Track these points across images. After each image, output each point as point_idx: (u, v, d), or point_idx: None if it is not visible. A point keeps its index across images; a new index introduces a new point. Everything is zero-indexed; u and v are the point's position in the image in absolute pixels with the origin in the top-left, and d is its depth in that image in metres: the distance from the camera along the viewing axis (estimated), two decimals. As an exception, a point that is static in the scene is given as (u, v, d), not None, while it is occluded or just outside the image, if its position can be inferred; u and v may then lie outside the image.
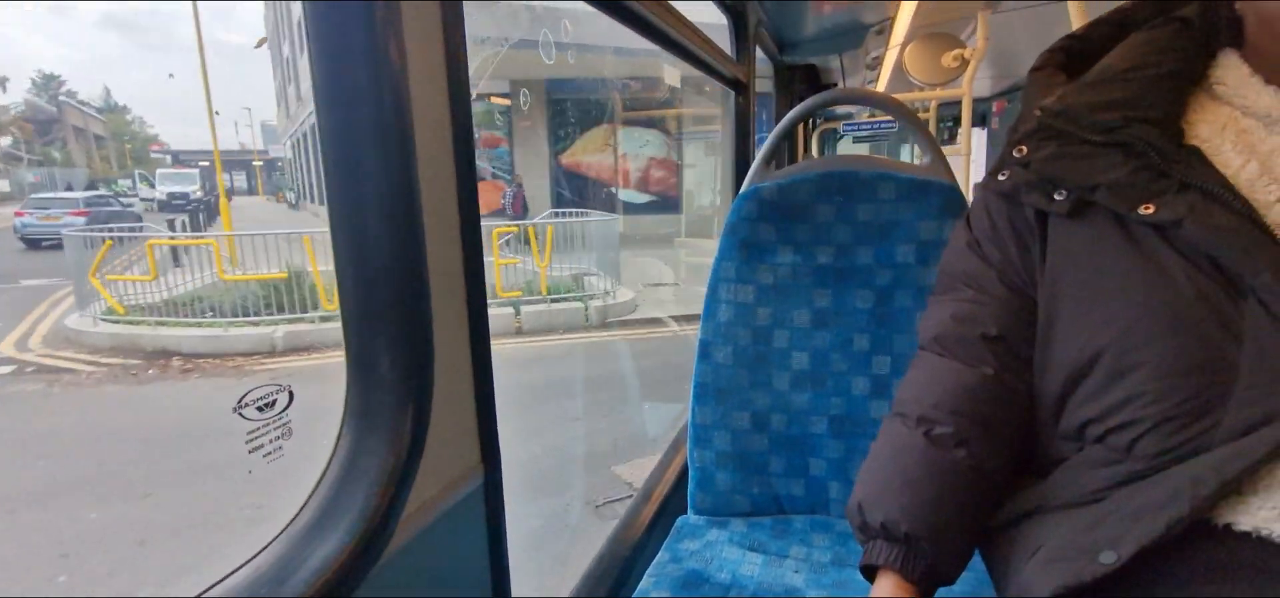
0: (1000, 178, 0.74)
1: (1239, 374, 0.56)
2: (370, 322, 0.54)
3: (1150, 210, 0.61)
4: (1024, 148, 0.71)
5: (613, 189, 15.21)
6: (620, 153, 15.29)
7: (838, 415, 1.16)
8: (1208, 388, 0.57)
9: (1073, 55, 0.77)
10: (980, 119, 6.79)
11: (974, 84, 2.91)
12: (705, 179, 15.69)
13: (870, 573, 0.74)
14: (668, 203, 15.42)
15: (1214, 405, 0.57)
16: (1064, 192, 0.67)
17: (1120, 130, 0.64)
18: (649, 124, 15.27)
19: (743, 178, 1.97)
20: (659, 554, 1.10)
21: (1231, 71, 0.65)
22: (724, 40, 1.85)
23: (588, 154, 15.14)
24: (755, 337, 1.18)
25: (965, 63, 2.81)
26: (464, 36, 0.59)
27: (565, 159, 15.09)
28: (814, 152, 5.26)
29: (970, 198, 0.90)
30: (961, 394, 0.73)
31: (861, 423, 1.15)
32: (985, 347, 0.74)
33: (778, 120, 3.23)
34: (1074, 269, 0.67)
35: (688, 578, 1.02)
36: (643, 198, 15.43)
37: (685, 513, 1.23)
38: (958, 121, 6.59)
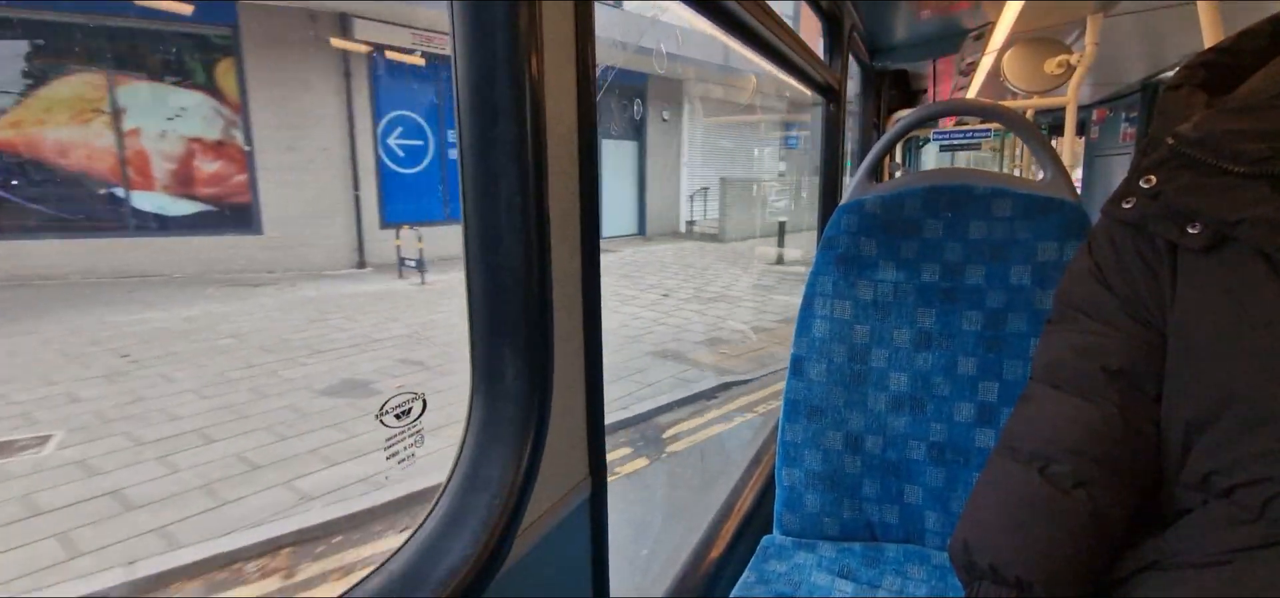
0: (1125, 206, 0.69)
1: None
2: (497, 333, 0.54)
3: None
4: (1153, 177, 0.66)
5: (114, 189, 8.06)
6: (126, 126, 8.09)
7: (939, 442, 1.11)
8: None
9: (1215, 69, 0.70)
10: (1079, 128, 6.40)
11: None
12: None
13: None
14: (229, 217, 8.82)
15: None
16: (1199, 225, 0.62)
17: (1269, 162, 0.58)
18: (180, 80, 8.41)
19: (833, 187, 1.92)
20: (745, 574, 1.07)
21: None
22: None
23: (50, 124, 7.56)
24: (852, 354, 1.14)
25: (1071, 69, 2.65)
26: (594, 39, 0.59)
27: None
28: (897, 160, 5.08)
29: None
30: (1081, 432, 0.68)
31: (965, 452, 1.09)
32: (1107, 382, 0.69)
33: (865, 128, 3.14)
34: (1209, 306, 0.62)
35: None
36: (183, 207, 8.54)
37: (769, 532, 1.20)
38: (1052, 131, 6.24)
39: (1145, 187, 0.66)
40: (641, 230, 15.44)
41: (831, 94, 1.79)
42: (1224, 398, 0.58)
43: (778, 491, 1.19)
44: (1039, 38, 2.73)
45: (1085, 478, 0.66)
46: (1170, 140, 0.65)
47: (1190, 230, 0.62)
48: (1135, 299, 0.69)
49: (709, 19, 1.15)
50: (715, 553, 1.30)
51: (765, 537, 1.18)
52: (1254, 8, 0.69)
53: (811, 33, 1.82)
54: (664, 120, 15.70)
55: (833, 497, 1.15)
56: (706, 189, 16.27)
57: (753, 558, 1.11)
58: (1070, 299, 0.75)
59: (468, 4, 0.49)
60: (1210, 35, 1.47)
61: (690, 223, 16.42)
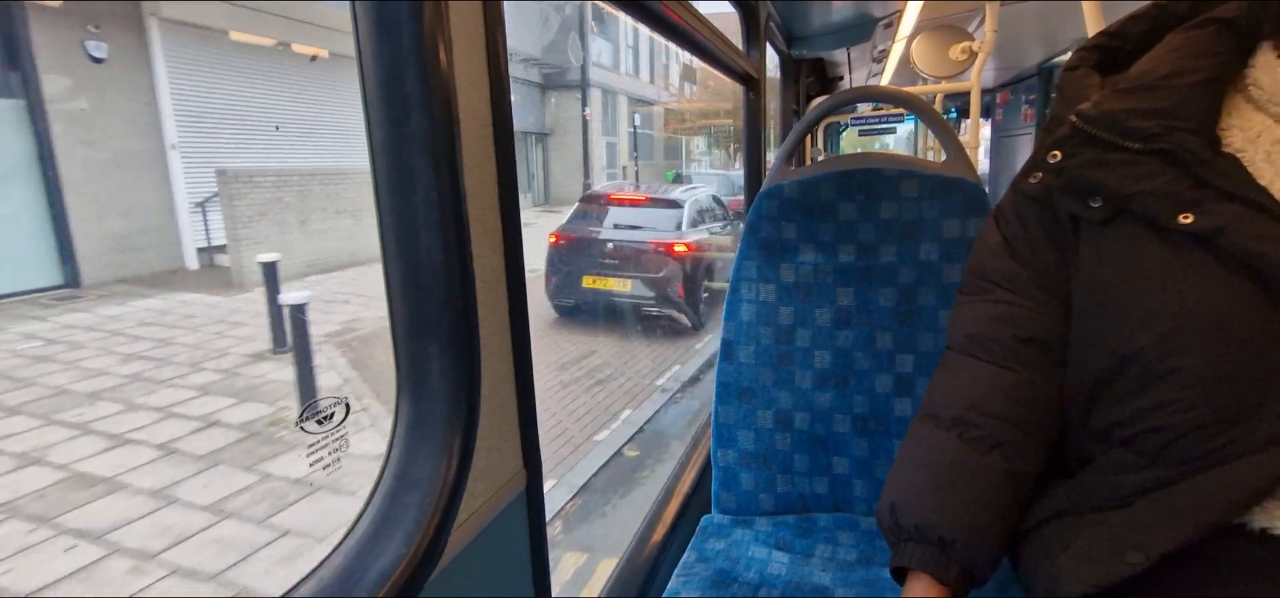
0: (1031, 180, 0.74)
1: (1277, 381, 0.57)
2: (421, 332, 0.54)
3: (1189, 219, 0.61)
4: (1058, 153, 0.71)
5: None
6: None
7: (861, 414, 1.16)
8: (1245, 395, 0.58)
9: (1107, 52, 0.76)
10: (984, 110, 6.78)
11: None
12: None
13: (901, 574, 0.74)
14: None
15: (1250, 413, 0.57)
16: (1099, 199, 0.67)
17: (1159, 138, 0.64)
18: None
19: (755, 175, 1.97)
20: (686, 553, 1.10)
21: (1268, 74, 0.65)
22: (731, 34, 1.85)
23: None
24: (778, 336, 1.18)
25: (974, 56, 2.80)
26: (505, 36, 0.59)
27: None
28: (819, 146, 5.25)
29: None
30: (996, 396, 0.73)
31: (885, 421, 1.15)
32: (1020, 349, 0.74)
33: (784, 115, 3.24)
34: (1108, 274, 0.67)
35: (717, 577, 1.02)
36: None
37: (708, 512, 1.23)
38: (961, 114, 6.57)
39: (1052, 162, 0.71)
40: (71, 280, 7.29)
41: (751, 83, 1.84)
42: (1124, 357, 0.64)
43: (714, 471, 1.22)
44: (943, 25, 2.87)
45: (1001, 439, 0.71)
46: (1073, 118, 0.70)
47: (1092, 204, 0.67)
48: (1042, 270, 0.74)
49: (630, 15, 1.16)
50: (657, 536, 1.33)
51: (704, 517, 1.21)
52: (1128, 7, 0.76)
53: (732, 27, 1.86)
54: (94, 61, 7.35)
55: (766, 474, 1.19)
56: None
57: (693, 538, 1.14)
58: (982, 272, 0.80)
59: (370, 4, 0.48)
60: (1093, 26, 1.59)
61: (209, 250, 8.55)
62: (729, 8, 1.91)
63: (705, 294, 7.14)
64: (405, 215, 0.51)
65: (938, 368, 0.81)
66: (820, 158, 2.43)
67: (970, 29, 3.08)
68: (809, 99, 3.35)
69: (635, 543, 1.30)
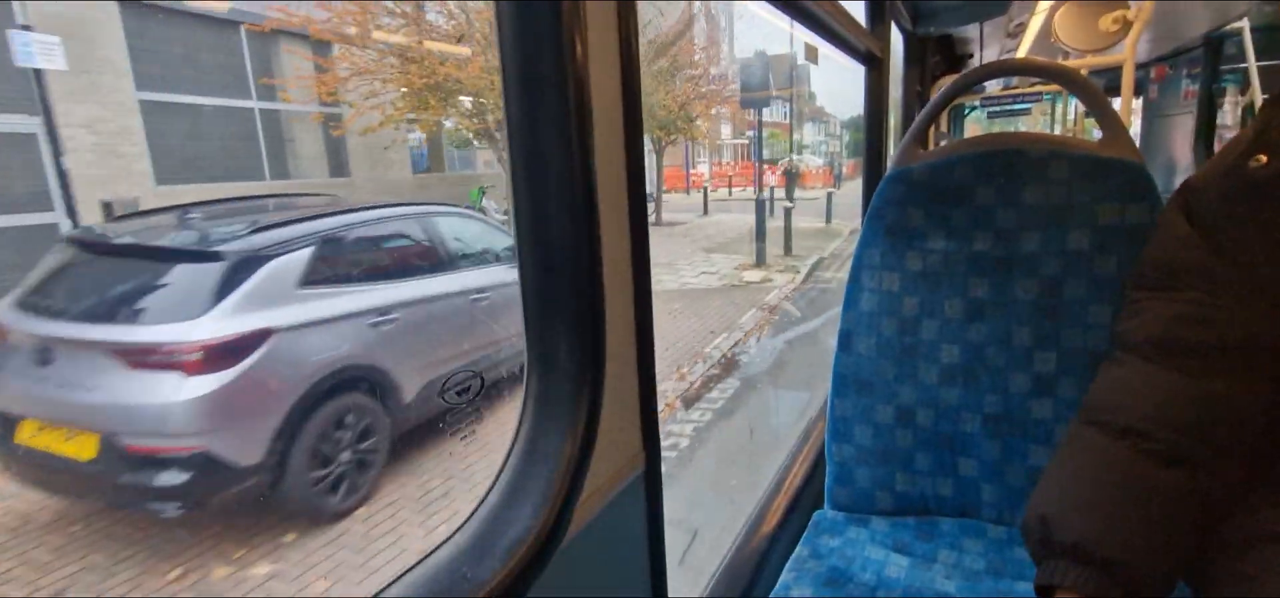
0: (1253, 164, 0.64)
1: None
2: (550, 311, 0.55)
3: None
4: None
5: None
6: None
7: (993, 414, 1.08)
8: None
9: None
10: (1136, 87, 6.11)
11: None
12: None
13: (1046, 592, 0.68)
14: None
15: None
16: None
17: None
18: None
19: (877, 158, 1.88)
20: (798, 549, 1.07)
21: None
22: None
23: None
24: (901, 327, 1.12)
25: (1128, 25, 2.52)
26: (637, 31, 0.59)
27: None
28: (943, 128, 4.94)
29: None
30: (1182, 407, 0.65)
31: (1021, 423, 1.07)
32: (1216, 356, 0.65)
33: (908, 95, 3.06)
34: None
35: (830, 575, 0.99)
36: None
37: (820, 507, 1.19)
38: (1107, 92, 5.95)
39: None
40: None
41: (874, 62, 1.75)
42: None
43: (828, 465, 1.18)
44: (1093, -7, 2.61)
45: (1185, 455, 0.63)
46: None
47: None
48: (1254, 265, 0.65)
49: None
50: (766, 529, 1.30)
51: (817, 512, 1.17)
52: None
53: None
54: None
55: (885, 471, 1.14)
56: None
57: (805, 533, 1.11)
58: (1169, 265, 0.71)
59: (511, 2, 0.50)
60: None
61: None
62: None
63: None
64: (538, 199, 0.53)
65: (1102, 370, 0.73)
66: (943, 143, 2.29)
67: (1124, -4, 2.77)
68: (934, 79, 3.15)
69: (744, 535, 1.29)
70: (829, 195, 17.45)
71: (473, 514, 0.53)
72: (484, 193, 12.90)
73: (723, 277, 9.51)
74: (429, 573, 0.48)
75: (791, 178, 21.50)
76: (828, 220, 16.15)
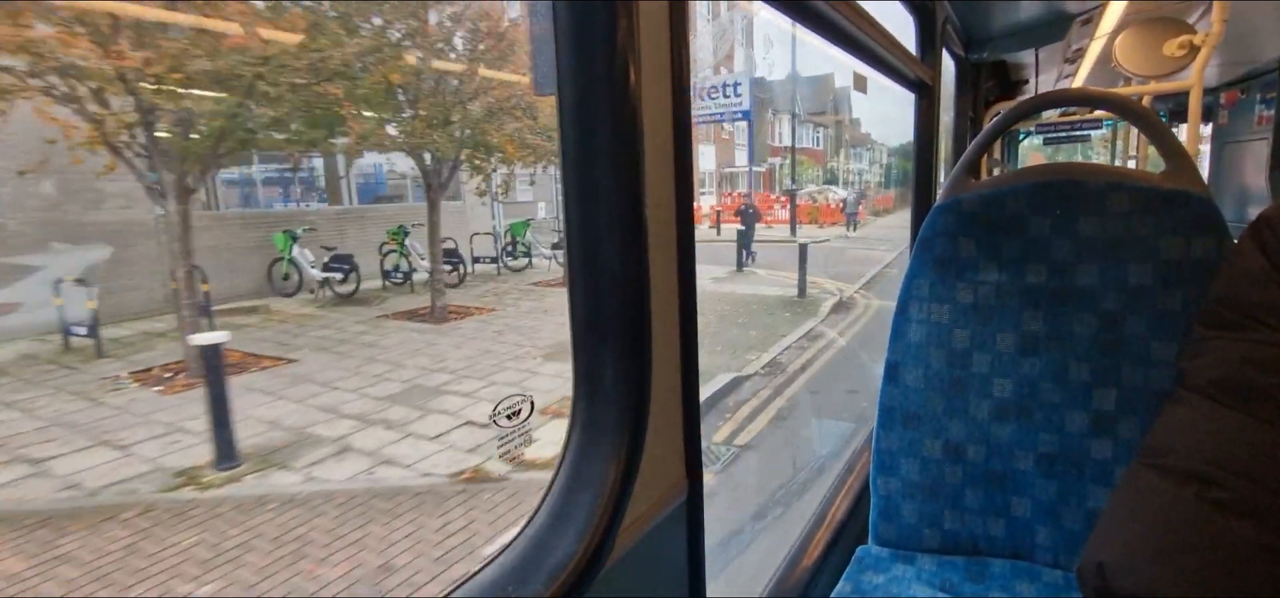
0: None
1: None
2: (597, 335, 0.56)
3: None
4: None
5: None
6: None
7: (1048, 453, 1.04)
8: None
9: None
10: (1205, 114, 5.84)
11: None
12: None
13: None
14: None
15: None
16: None
17: None
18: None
19: (927, 186, 1.85)
20: (841, 584, 1.05)
21: None
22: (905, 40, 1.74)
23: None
24: (951, 360, 1.09)
25: (1195, 50, 2.43)
26: (689, 46, 0.60)
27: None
28: (996, 158, 4.82)
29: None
30: (1254, 454, 0.61)
31: (1078, 463, 1.02)
32: None
33: (960, 122, 3.00)
34: None
35: None
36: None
37: (864, 542, 1.16)
38: (1173, 118, 5.72)
39: None
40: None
41: (924, 90, 1.73)
42: None
43: (873, 499, 1.16)
44: (1157, 18, 2.52)
45: (1257, 507, 0.60)
46: None
47: None
48: None
49: (796, 20, 1.14)
50: (808, 561, 1.28)
51: (861, 547, 1.14)
52: None
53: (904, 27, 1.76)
54: None
55: (932, 508, 1.11)
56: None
57: (848, 568, 1.09)
58: (1239, 305, 0.68)
59: (570, 5, 0.51)
60: None
61: None
62: (900, 9, 1.82)
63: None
64: (589, 222, 0.54)
65: (1165, 409, 0.70)
66: (996, 172, 2.23)
67: (1191, 20, 2.67)
68: (987, 106, 3.08)
69: (785, 567, 1.27)
70: (802, 248, 11.28)
71: (519, 535, 0.53)
72: (295, 238, 9.08)
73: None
74: (475, 591, 0.49)
75: (749, 218, 14.49)
76: (801, 292, 10.52)
